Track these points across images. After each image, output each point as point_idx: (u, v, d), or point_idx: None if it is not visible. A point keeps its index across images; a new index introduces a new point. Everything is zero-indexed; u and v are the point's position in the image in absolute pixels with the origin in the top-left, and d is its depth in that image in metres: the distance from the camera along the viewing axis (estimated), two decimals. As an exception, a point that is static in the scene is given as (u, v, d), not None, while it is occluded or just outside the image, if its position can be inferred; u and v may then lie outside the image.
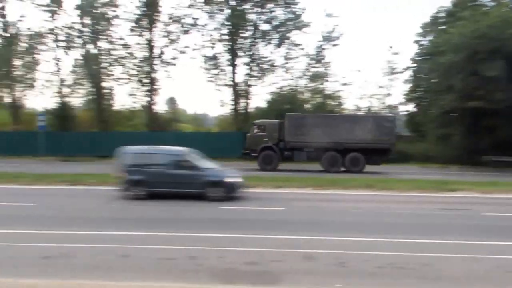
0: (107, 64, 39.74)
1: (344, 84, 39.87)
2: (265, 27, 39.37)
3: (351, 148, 26.88)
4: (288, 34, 39.32)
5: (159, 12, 39.29)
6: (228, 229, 12.34)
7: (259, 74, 39.86)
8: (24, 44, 40.11)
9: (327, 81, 40.43)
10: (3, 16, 38.99)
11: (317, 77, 40.18)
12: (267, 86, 40.66)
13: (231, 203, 16.00)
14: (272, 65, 39.83)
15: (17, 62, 40.63)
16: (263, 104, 40.86)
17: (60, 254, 9.93)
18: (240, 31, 38.84)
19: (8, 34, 39.40)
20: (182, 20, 38.97)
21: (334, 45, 39.96)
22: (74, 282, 8.25)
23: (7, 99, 41.79)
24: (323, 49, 39.82)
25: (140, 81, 39.92)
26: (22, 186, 19.92)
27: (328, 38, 39.52)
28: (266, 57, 39.70)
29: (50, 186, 19.93)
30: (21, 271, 8.90)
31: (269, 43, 39.54)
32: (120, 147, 17.86)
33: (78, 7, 38.29)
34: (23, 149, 35.07)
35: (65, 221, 13.49)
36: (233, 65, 39.56)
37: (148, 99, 40.15)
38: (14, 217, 13.91)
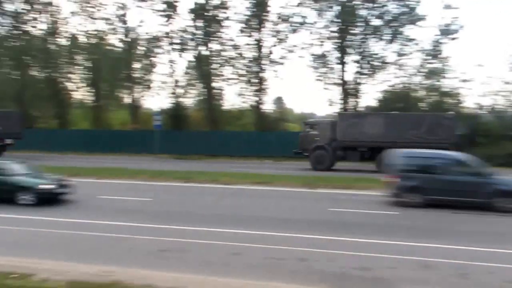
0: (218, 65, 40.77)
1: (464, 81, 36.73)
2: (376, 22, 37.70)
3: (407, 147, 25.33)
4: (401, 29, 37.25)
5: (268, 12, 39.45)
6: (338, 233, 11.82)
7: (370, 72, 38.29)
8: (143, 48, 42.55)
9: (444, 77, 37.64)
10: (124, 22, 41.68)
11: (433, 73, 37.58)
12: (378, 84, 38.81)
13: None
14: (384, 62, 38.04)
15: (136, 65, 43.31)
16: (374, 103, 39.27)
17: (175, 248, 10.25)
18: (350, 28, 37.61)
19: (128, 39, 42.08)
20: (291, 19, 38.71)
21: (452, 39, 37.11)
22: (187, 276, 8.44)
23: (127, 100, 44.84)
24: (440, 43, 37.09)
25: (248, 81, 40.41)
26: (141, 182, 20.92)
27: (446, 32, 36.75)
28: (377, 54, 38.01)
29: (166, 183, 20.71)
30: (139, 263, 9.28)
31: (381, 39, 37.80)
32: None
33: (192, 11, 39.68)
34: (141, 147, 37.16)
35: (179, 216, 13.87)
36: (342, 63, 38.50)
37: (256, 98, 40.51)
38: (133, 211, 14.58)
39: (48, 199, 15.08)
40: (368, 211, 14.91)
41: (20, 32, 42.79)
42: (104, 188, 18.98)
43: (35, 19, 43.10)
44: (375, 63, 38.08)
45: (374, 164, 26.46)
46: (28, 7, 42.70)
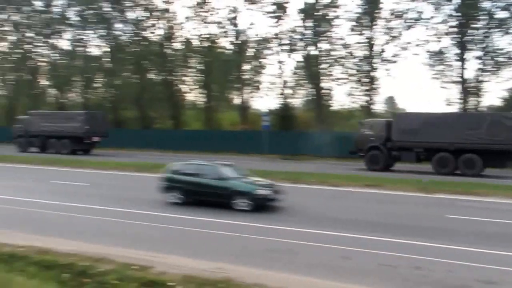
0: (327, 65, 40.12)
1: None
2: (502, 14, 34.50)
3: (465, 149, 23.90)
4: (532, 21, 33.78)
5: (380, 9, 38.06)
6: (457, 241, 10.91)
7: (494, 69, 35.13)
8: (252, 50, 43.26)
9: None
10: (235, 25, 42.66)
11: None
12: (504, 81, 35.53)
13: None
14: (510, 58, 34.72)
15: (246, 67, 44.17)
16: (499, 102, 36.02)
17: (284, 249, 10.22)
18: (472, 22, 34.82)
19: (239, 42, 43.02)
20: (405, 15, 36.90)
21: None
22: (295, 277, 8.39)
23: (237, 101, 45.90)
24: None
25: (359, 80, 39.35)
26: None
27: None
28: (502, 49, 34.73)
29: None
30: (249, 261, 9.36)
31: (507, 32, 34.51)
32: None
33: (301, 11, 39.46)
34: (249, 147, 37.70)
35: (288, 217, 13.70)
36: (462, 60, 35.76)
37: (367, 98, 39.30)
38: (245, 210, 14.51)
39: (262, 206, 14.52)
40: (492, 219, 13.52)
41: (140, 38, 45.92)
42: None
43: (153, 25, 46.02)
44: (500, 59, 34.89)
45: (431, 165, 25.50)
46: (147, 15, 45.63)
